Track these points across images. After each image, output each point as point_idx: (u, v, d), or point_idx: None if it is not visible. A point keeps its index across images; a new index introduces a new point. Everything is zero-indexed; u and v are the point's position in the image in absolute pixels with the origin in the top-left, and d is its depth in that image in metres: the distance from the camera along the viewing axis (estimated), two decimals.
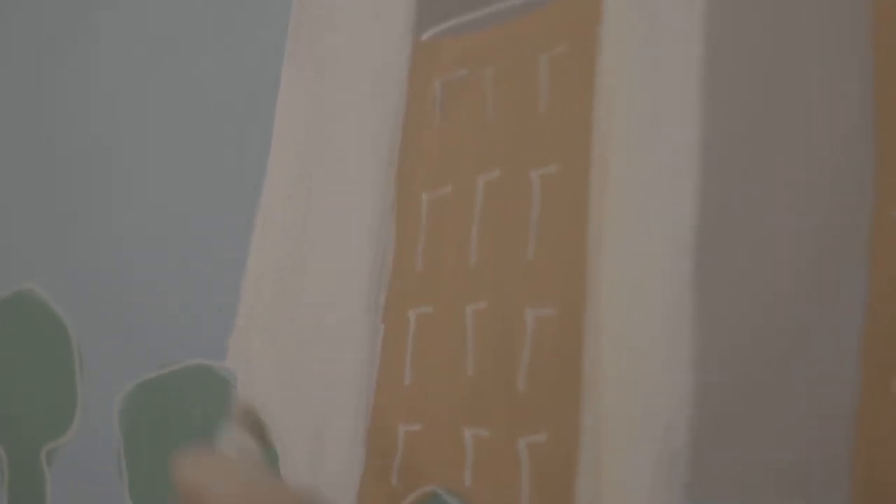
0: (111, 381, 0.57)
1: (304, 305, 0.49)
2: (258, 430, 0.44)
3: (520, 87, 0.43)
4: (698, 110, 0.37)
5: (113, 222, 0.60)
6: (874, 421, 0.32)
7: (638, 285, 0.38)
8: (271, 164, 0.52)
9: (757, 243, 0.35)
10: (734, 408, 0.34)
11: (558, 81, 0.41)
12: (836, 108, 0.34)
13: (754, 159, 0.36)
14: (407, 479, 0.42)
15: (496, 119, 0.43)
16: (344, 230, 0.48)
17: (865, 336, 0.32)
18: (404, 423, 0.43)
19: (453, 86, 0.45)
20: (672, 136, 0.38)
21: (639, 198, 0.38)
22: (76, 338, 0.60)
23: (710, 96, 0.37)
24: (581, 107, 0.40)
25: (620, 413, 0.37)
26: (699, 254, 0.36)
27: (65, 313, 0.62)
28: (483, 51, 0.44)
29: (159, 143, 0.60)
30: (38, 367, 0.62)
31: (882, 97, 0.33)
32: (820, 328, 0.33)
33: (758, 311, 0.35)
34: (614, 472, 0.37)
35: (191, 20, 0.61)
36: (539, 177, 0.41)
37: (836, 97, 0.34)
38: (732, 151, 0.36)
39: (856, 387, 0.32)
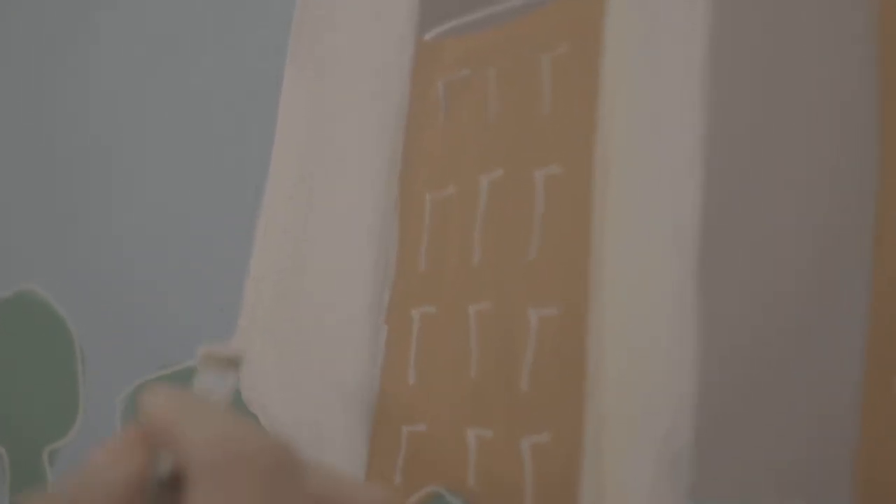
0: (113, 381, 0.57)
1: (306, 306, 0.49)
2: (230, 367, 0.43)
3: (522, 88, 0.43)
4: (700, 110, 0.37)
5: (114, 222, 0.60)
6: (876, 421, 0.32)
7: (640, 285, 0.38)
8: (273, 165, 0.52)
9: (759, 243, 0.35)
10: (736, 408, 0.35)
11: (561, 81, 0.41)
12: (839, 108, 0.34)
13: (757, 159, 0.36)
14: (410, 480, 0.42)
15: (499, 119, 0.43)
16: (346, 230, 0.48)
17: (868, 336, 0.32)
18: (407, 423, 0.43)
19: (456, 86, 0.45)
20: (674, 135, 0.38)
21: (641, 198, 0.38)
22: (78, 338, 0.60)
23: (713, 96, 0.37)
24: (584, 107, 0.40)
25: (623, 413, 0.37)
26: (701, 254, 0.36)
27: (66, 314, 0.61)
28: (486, 51, 0.44)
29: (160, 144, 0.60)
30: (40, 367, 0.62)
31: (885, 97, 0.33)
32: (822, 328, 0.33)
33: (760, 312, 0.35)
34: (617, 472, 0.37)
35: (191, 20, 0.61)
36: (542, 177, 0.41)
37: (838, 97, 0.34)
38: (735, 151, 0.36)
39: (858, 387, 0.32)
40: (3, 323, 0.65)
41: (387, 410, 0.44)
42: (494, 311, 0.42)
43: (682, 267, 0.37)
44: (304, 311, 0.49)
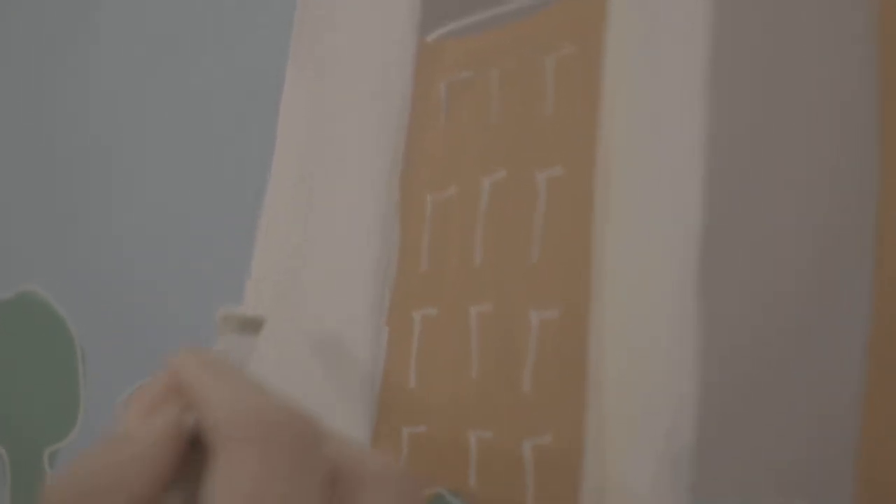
0: (114, 382, 0.57)
1: (306, 307, 0.49)
2: (249, 330, 0.43)
3: (525, 89, 0.43)
4: (701, 111, 0.37)
5: (114, 223, 0.61)
6: (878, 421, 0.32)
7: (642, 287, 0.38)
8: (274, 166, 0.52)
9: (760, 244, 0.35)
10: (737, 408, 0.35)
11: (563, 83, 0.42)
12: (839, 108, 0.34)
13: (757, 159, 0.36)
14: None
15: (501, 120, 0.43)
16: (347, 232, 0.48)
17: (870, 336, 0.32)
18: (408, 424, 0.44)
19: (458, 87, 0.45)
20: (676, 137, 0.38)
21: (643, 199, 0.38)
22: (78, 339, 0.60)
23: (714, 97, 0.37)
24: (586, 108, 0.41)
25: (624, 414, 0.37)
26: (703, 255, 0.36)
27: (67, 314, 0.62)
28: (488, 52, 0.44)
29: (160, 144, 0.60)
30: (41, 369, 0.62)
31: (885, 97, 0.33)
32: (823, 328, 0.33)
33: (761, 312, 0.35)
34: (618, 473, 0.37)
35: (191, 20, 0.61)
36: (544, 178, 0.41)
37: (839, 97, 0.34)
38: (737, 152, 0.36)
39: (860, 387, 0.32)
40: (4, 324, 0.66)
41: (388, 412, 0.45)
42: (496, 312, 0.42)
43: (683, 269, 0.37)
44: (305, 312, 0.49)
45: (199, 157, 0.57)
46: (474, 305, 0.42)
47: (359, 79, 0.50)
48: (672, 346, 0.36)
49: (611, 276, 0.39)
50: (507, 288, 0.42)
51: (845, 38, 0.35)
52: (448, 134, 0.45)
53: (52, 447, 0.60)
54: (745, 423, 0.34)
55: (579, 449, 0.38)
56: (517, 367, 0.41)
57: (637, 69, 0.40)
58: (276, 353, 0.49)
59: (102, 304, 0.60)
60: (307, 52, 0.53)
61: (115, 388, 0.57)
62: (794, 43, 0.36)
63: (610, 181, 0.39)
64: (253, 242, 0.52)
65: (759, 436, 0.34)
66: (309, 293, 0.49)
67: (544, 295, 0.40)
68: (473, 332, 0.42)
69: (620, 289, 0.38)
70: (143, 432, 0.31)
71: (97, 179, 0.63)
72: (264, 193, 0.52)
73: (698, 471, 0.35)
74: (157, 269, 0.57)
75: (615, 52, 0.40)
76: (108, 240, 0.61)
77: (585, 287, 0.39)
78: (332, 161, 0.50)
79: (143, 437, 0.31)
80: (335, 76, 0.51)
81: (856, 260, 0.33)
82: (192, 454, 0.32)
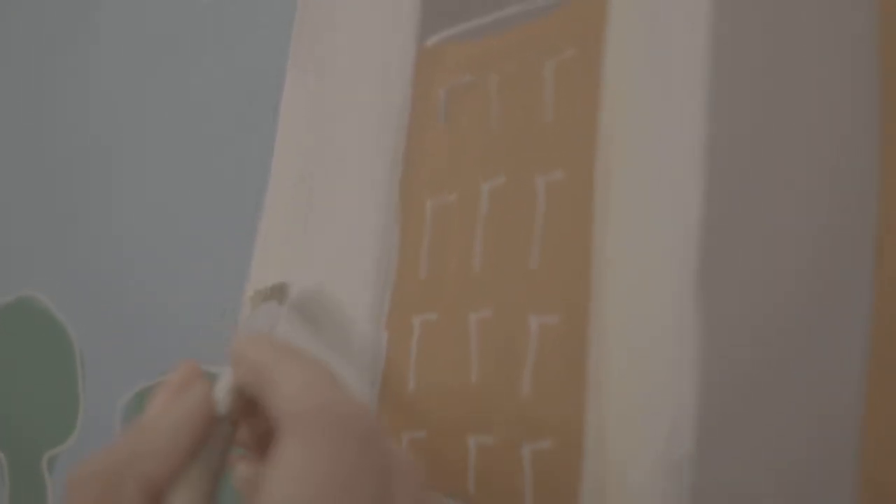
0: (113, 387, 0.57)
1: (307, 311, 0.49)
2: (276, 296, 0.44)
3: (525, 94, 0.43)
4: (702, 115, 0.37)
5: (114, 225, 0.61)
6: (879, 422, 0.32)
7: (641, 291, 0.38)
8: (274, 170, 0.52)
9: (761, 247, 0.35)
10: (737, 411, 0.35)
11: (563, 88, 0.42)
12: (840, 109, 0.34)
13: (758, 163, 0.36)
14: None
15: (501, 125, 0.43)
16: (347, 237, 0.48)
17: (870, 337, 0.32)
18: (408, 430, 0.44)
19: (457, 92, 0.45)
20: (676, 141, 0.38)
21: (643, 204, 0.38)
22: (78, 344, 0.60)
23: (715, 101, 0.37)
24: (586, 113, 0.41)
25: (624, 418, 0.37)
26: (703, 259, 0.36)
27: (66, 318, 0.62)
28: (488, 57, 0.44)
29: (160, 145, 0.60)
30: (40, 373, 0.62)
31: (886, 97, 0.33)
32: (824, 329, 0.33)
33: (761, 315, 0.35)
34: (618, 478, 0.37)
35: (191, 20, 0.61)
36: (543, 183, 0.41)
37: (839, 98, 0.34)
38: (737, 156, 0.36)
39: (860, 388, 0.32)
40: (4, 328, 0.66)
41: (387, 417, 0.45)
42: (495, 317, 0.42)
43: (683, 273, 0.37)
44: (306, 318, 0.49)
45: (198, 159, 0.57)
46: (474, 310, 0.43)
47: (358, 82, 0.50)
48: (672, 351, 0.36)
49: (610, 280, 0.39)
50: (506, 293, 0.42)
51: (845, 39, 0.35)
52: (448, 139, 0.45)
53: (51, 451, 0.60)
54: (745, 425, 0.34)
55: (579, 454, 0.38)
56: (516, 371, 0.41)
57: (637, 74, 0.40)
58: None
59: (102, 308, 0.60)
60: (307, 54, 0.53)
61: (114, 392, 0.57)
62: (794, 44, 0.36)
63: (610, 186, 0.40)
64: (253, 246, 0.52)
65: (759, 438, 0.34)
66: (308, 297, 0.49)
67: (544, 300, 0.40)
68: (473, 337, 0.42)
69: (620, 293, 0.38)
70: (163, 415, 0.32)
71: (97, 180, 0.63)
72: (264, 196, 0.52)
73: (698, 474, 0.35)
74: (157, 272, 0.57)
75: (615, 56, 0.40)
76: (107, 242, 0.61)
77: (585, 292, 0.39)
78: (331, 165, 0.50)
79: (161, 420, 0.32)
80: (335, 80, 0.51)
81: (856, 260, 0.33)
82: (218, 427, 0.33)
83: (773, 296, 0.35)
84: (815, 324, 0.34)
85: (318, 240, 0.49)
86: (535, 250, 0.41)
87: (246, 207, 0.53)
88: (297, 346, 0.35)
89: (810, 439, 0.33)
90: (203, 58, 0.59)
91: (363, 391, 0.46)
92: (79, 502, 0.30)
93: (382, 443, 0.32)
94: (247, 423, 0.37)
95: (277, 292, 0.47)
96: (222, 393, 0.35)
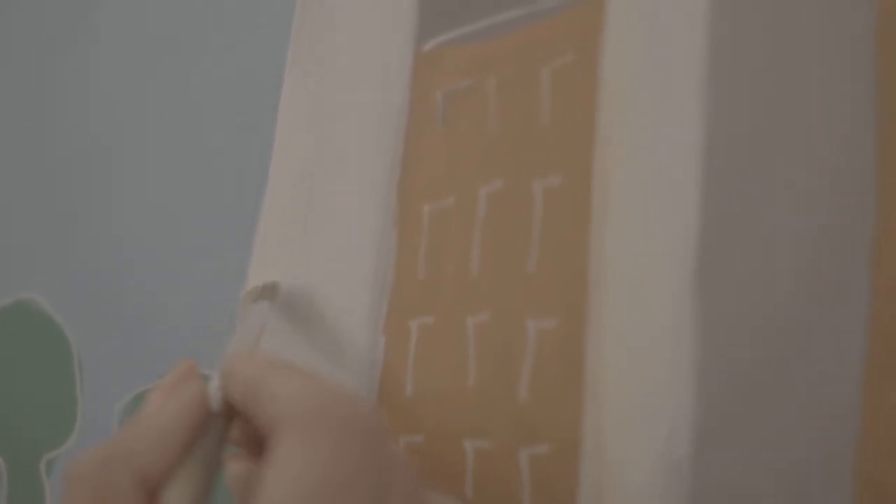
0: (112, 389, 0.58)
1: (304, 315, 0.49)
2: (267, 295, 0.45)
3: (523, 98, 0.43)
4: (700, 119, 0.38)
5: (112, 227, 0.61)
6: (877, 423, 0.32)
7: (639, 295, 0.38)
8: (272, 173, 0.52)
9: (759, 249, 0.35)
10: (736, 415, 0.35)
11: (561, 92, 0.42)
12: (839, 110, 0.35)
13: (757, 166, 0.36)
14: None
15: (498, 129, 0.43)
16: (344, 240, 0.48)
17: (869, 338, 0.32)
18: (405, 434, 0.44)
19: (455, 96, 0.45)
20: (674, 145, 0.38)
21: (640, 208, 0.39)
22: (76, 347, 0.61)
23: (713, 105, 0.37)
24: (584, 117, 0.41)
25: (622, 422, 0.38)
26: (701, 263, 0.37)
27: (64, 321, 0.62)
28: (485, 61, 0.45)
29: (159, 145, 0.60)
30: (38, 376, 0.62)
31: (884, 98, 0.33)
32: (824, 329, 0.33)
33: (760, 317, 0.35)
34: (616, 482, 0.37)
35: (191, 20, 0.61)
36: (541, 187, 0.41)
37: (838, 100, 0.34)
38: (735, 159, 0.36)
39: (858, 388, 0.32)
40: (2, 331, 0.66)
41: (385, 421, 0.45)
42: (493, 321, 0.42)
43: (681, 277, 0.37)
44: (303, 320, 0.49)
45: (198, 159, 0.57)
46: (471, 314, 0.43)
47: (356, 86, 0.50)
48: (670, 352, 0.37)
49: (608, 284, 0.39)
50: (504, 297, 0.42)
51: (844, 40, 0.35)
52: (445, 143, 0.45)
53: (49, 454, 0.61)
54: (744, 426, 0.35)
55: (576, 458, 0.38)
56: (514, 376, 0.41)
57: (634, 77, 0.40)
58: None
59: (100, 310, 0.60)
60: (305, 55, 0.53)
61: (112, 395, 0.57)
62: (793, 46, 0.36)
63: (607, 189, 0.40)
64: (251, 252, 0.52)
65: (758, 439, 0.34)
66: (307, 302, 0.49)
67: (541, 304, 0.41)
68: (470, 340, 0.42)
69: (618, 297, 0.39)
70: (161, 409, 0.33)
71: (96, 181, 0.63)
72: (263, 198, 0.52)
73: (697, 475, 0.35)
74: (156, 273, 0.57)
75: (612, 60, 0.40)
76: (106, 244, 0.61)
77: (582, 296, 0.40)
78: (329, 167, 0.50)
79: (156, 416, 0.33)
80: (333, 85, 0.51)
81: (855, 260, 0.33)
82: (213, 423, 0.33)
83: (772, 297, 0.35)
84: (814, 324, 0.34)
85: (316, 242, 0.49)
86: (532, 254, 0.41)
87: (246, 209, 0.53)
88: (288, 359, 0.35)
89: (809, 439, 0.33)
90: (203, 58, 0.59)
91: (361, 394, 0.46)
92: (76, 496, 0.31)
93: (384, 444, 0.32)
94: (240, 421, 0.37)
95: (269, 292, 0.47)
96: (216, 389, 0.35)
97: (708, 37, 0.38)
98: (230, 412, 0.35)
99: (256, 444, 0.37)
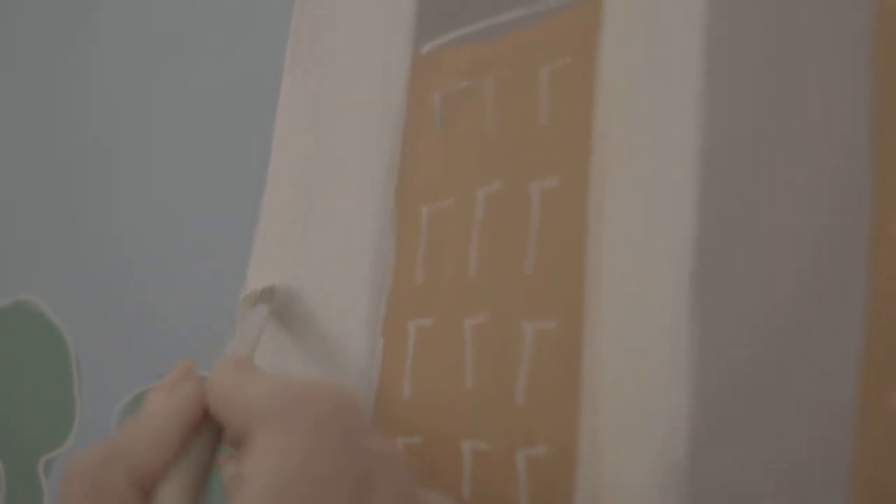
0: (110, 391, 0.58)
1: (303, 317, 0.49)
2: (265, 299, 0.45)
3: (520, 99, 0.43)
4: (698, 121, 0.38)
5: (111, 228, 0.61)
6: (874, 426, 0.32)
7: (636, 297, 0.38)
8: (271, 174, 0.52)
9: (757, 251, 0.35)
10: (733, 417, 0.35)
11: (559, 93, 0.42)
12: (838, 112, 0.34)
13: (755, 168, 0.36)
14: None
15: (496, 131, 0.44)
16: (343, 242, 0.48)
17: (866, 340, 0.32)
18: (403, 435, 0.44)
19: (453, 98, 0.45)
20: (671, 146, 0.38)
21: (638, 209, 0.39)
22: (74, 348, 0.61)
23: (711, 106, 0.37)
24: (582, 118, 0.41)
25: (619, 424, 0.38)
26: (699, 264, 0.37)
27: (63, 323, 0.62)
28: (483, 62, 0.45)
29: (159, 146, 0.60)
30: (37, 377, 0.62)
31: (882, 100, 0.34)
32: (822, 331, 0.33)
33: (758, 320, 0.35)
34: (612, 483, 0.37)
35: (191, 20, 0.61)
36: (538, 189, 0.41)
37: (838, 101, 0.34)
38: (733, 161, 0.36)
39: (856, 389, 0.32)
40: (1, 332, 0.66)
41: (382, 422, 0.45)
42: (490, 323, 0.42)
43: (679, 278, 0.37)
44: (301, 322, 0.49)
45: (198, 160, 0.57)
46: (469, 315, 0.43)
47: (355, 87, 0.50)
48: (667, 355, 0.37)
49: (605, 286, 0.39)
50: (501, 299, 0.42)
51: (844, 41, 0.35)
52: (443, 145, 0.46)
53: (48, 455, 0.61)
54: (742, 427, 0.35)
55: (573, 460, 0.39)
56: (511, 377, 0.41)
57: (633, 78, 0.40)
58: (271, 362, 0.50)
59: (99, 310, 0.60)
60: (304, 56, 0.53)
61: (111, 395, 0.58)
62: (792, 46, 0.36)
63: (605, 190, 0.40)
64: (250, 253, 0.52)
65: (756, 440, 0.34)
66: (305, 304, 0.49)
67: (539, 306, 0.41)
68: (468, 342, 0.43)
69: (615, 298, 0.39)
70: (156, 410, 0.33)
71: (95, 182, 0.63)
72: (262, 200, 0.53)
73: (695, 477, 0.35)
74: (154, 274, 0.57)
75: (611, 61, 0.41)
76: (104, 245, 0.61)
77: (580, 297, 0.40)
78: (328, 170, 0.50)
79: (152, 416, 0.33)
80: (331, 83, 0.51)
81: (853, 261, 0.33)
82: (206, 425, 0.34)
83: (770, 297, 0.35)
84: (812, 325, 0.34)
85: (315, 243, 0.49)
86: (530, 255, 0.41)
87: (245, 209, 0.53)
88: (287, 358, 0.36)
89: (807, 440, 0.33)
90: (203, 58, 0.59)
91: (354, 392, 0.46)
92: (73, 495, 0.31)
93: (365, 438, 0.32)
94: None
95: (267, 295, 0.47)
96: None
97: (706, 38, 0.38)
98: None
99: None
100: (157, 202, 0.59)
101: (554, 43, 0.42)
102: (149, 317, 0.57)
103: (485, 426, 0.41)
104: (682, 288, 0.37)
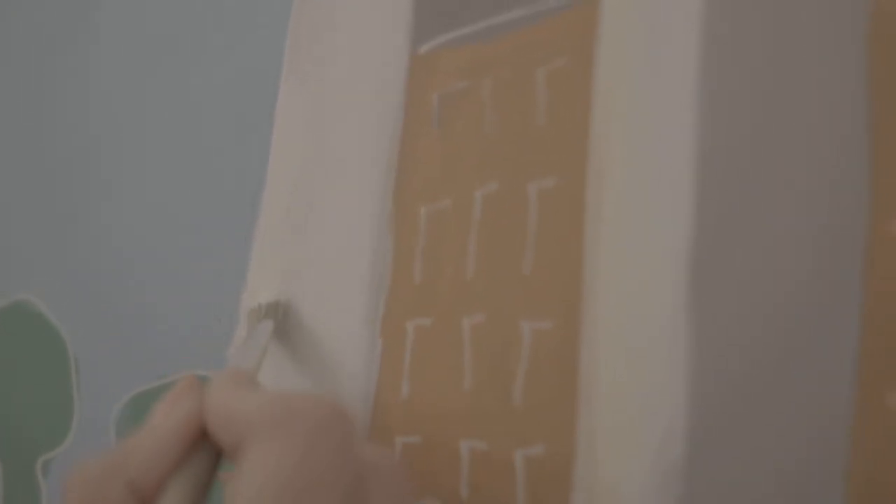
0: (108, 391, 0.58)
1: (301, 318, 0.49)
2: (271, 314, 0.45)
3: (518, 100, 0.43)
4: (696, 122, 0.38)
5: (111, 229, 0.61)
6: (870, 429, 0.32)
7: (634, 297, 0.38)
8: (270, 175, 0.53)
9: (755, 253, 0.35)
10: (729, 419, 0.35)
11: (557, 93, 0.42)
12: (835, 113, 0.35)
13: (753, 169, 0.36)
14: None
15: (494, 132, 0.44)
16: (341, 242, 0.48)
17: (863, 340, 0.33)
18: (401, 435, 0.44)
19: (451, 98, 0.46)
20: (669, 147, 0.38)
21: (635, 210, 0.39)
22: (73, 348, 0.61)
23: (708, 108, 0.38)
24: (579, 119, 0.41)
25: (616, 424, 0.38)
26: (696, 265, 0.37)
27: (61, 323, 0.62)
28: (481, 63, 0.45)
29: (159, 146, 0.60)
30: (35, 377, 0.62)
31: (878, 102, 0.34)
32: (819, 333, 0.34)
33: (754, 322, 0.35)
34: (610, 483, 0.37)
35: (191, 20, 0.61)
36: (536, 189, 0.42)
37: (837, 101, 0.35)
38: (731, 162, 0.37)
39: (854, 389, 0.33)
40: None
41: (381, 422, 0.45)
42: (488, 323, 0.42)
43: (676, 279, 0.37)
44: (300, 322, 0.49)
45: (198, 160, 0.57)
46: (467, 316, 0.43)
47: (352, 88, 0.50)
48: (665, 355, 0.37)
49: (603, 286, 0.39)
50: (499, 299, 0.42)
51: (841, 41, 0.35)
52: (441, 145, 0.46)
53: (46, 455, 0.61)
54: (739, 429, 0.35)
55: (571, 459, 0.39)
56: (509, 377, 0.41)
57: (630, 79, 0.40)
58: (269, 363, 0.50)
59: (97, 311, 0.60)
60: (303, 57, 0.53)
61: (110, 396, 0.58)
62: (789, 47, 0.36)
63: (602, 192, 0.40)
64: (249, 253, 0.52)
65: (753, 442, 0.34)
66: (304, 304, 0.49)
67: (537, 306, 0.41)
68: (466, 342, 0.43)
69: (613, 299, 0.39)
70: (158, 423, 0.34)
71: (95, 182, 0.63)
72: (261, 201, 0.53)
73: (691, 479, 0.35)
74: (154, 274, 0.57)
75: (608, 62, 0.41)
76: (103, 245, 0.61)
77: (577, 297, 0.40)
78: (326, 170, 0.50)
79: (153, 429, 0.33)
80: (330, 83, 0.51)
81: (851, 263, 0.33)
82: (204, 443, 0.34)
83: (767, 299, 0.35)
84: (809, 326, 0.34)
85: (314, 243, 0.50)
86: (528, 255, 0.42)
87: (245, 209, 0.53)
88: (285, 358, 0.36)
89: (804, 441, 0.33)
90: (203, 58, 0.59)
91: (356, 397, 0.46)
92: None
93: (357, 448, 0.32)
94: None
95: (272, 310, 0.48)
96: None
97: (704, 38, 0.38)
98: None
99: None
100: (157, 202, 0.59)
101: (552, 43, 0.43)
102: (148, 317, 0.57)
103: (483, 426, 0.41)
104: (680, 288, 0.37)
